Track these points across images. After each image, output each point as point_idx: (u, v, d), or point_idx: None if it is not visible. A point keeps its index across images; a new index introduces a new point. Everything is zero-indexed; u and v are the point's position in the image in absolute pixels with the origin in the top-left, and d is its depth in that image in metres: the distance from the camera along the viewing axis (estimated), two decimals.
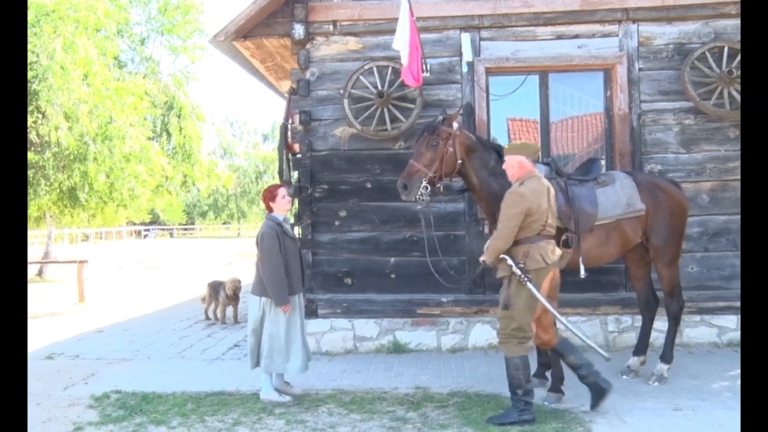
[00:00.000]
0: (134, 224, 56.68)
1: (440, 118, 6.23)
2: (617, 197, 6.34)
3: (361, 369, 7.35)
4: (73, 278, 16.36)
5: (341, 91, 8.04)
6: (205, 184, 15.61)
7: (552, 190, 5.61)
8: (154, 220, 63.85)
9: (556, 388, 6.02)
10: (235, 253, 31.76)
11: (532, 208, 5.31)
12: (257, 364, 6.32)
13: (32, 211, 12.65)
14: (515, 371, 5.42)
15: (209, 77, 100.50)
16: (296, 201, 8.27)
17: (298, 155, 8.39)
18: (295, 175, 8.55)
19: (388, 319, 8.10)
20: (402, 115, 7.86)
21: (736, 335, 7.78)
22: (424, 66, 7.49)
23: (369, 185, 8.13)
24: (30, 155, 10.50)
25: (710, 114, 7.74)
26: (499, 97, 8.05)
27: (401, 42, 7.15)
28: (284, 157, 8.60)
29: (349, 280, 8.15)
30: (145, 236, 61.37)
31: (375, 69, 7.96)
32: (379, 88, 7.86)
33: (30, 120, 10.30)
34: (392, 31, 7.37)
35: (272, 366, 6.22)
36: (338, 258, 8.17)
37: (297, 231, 8.04)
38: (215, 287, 10.95)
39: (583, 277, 6.23)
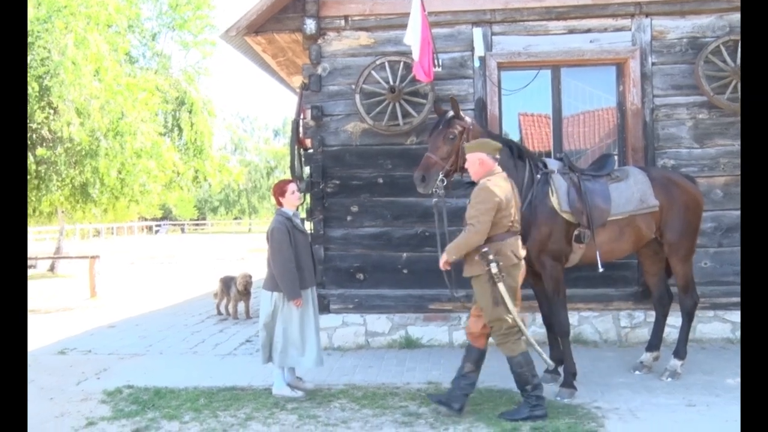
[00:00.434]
0: (145, 220, 56.80)
1: (450, 113, 6.22)
2: (630, 193, 6.30)
3: (373, 364, 7.35)
4: (84, 273, 16.43)
5: (353, 87, 8.03)
6: (216, 179, 15.63)
7: (515, 188, 5.61)
8: (166, 216, 64.02)
9: (569, 383, 6.00)
10: (246, 249, 31.81)
11: (502, 203, 5.30)
12: (269, 359, 6.33)
13: (44, 206, 12.68)
14: (519, 369, 5.42)
15: (220, 73, 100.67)
16: (308, 196, 8.28)
17: (310, 150, 8.40)
18: (306, 170, 8.54)
19: (400, 314, 8.10)
20: (414, 110, 7.85)
21: None
22: (435, 61, 7.47)
23: (381, 180, 8.12)
24: (42, 151, 10.54)
25: (724, 108, 7.68)
26: (510, 92, 8.02)
27: (413, 37, 7.12)
28: (296, 152, 8.58)
29: (361, 276, 8.15)
30: (157, 232, 61.58)
31: (387, 64, 7.94)
32: (391, 83, 7.85)
33: (42, 116, 10.33)
34: (404, 26, 7.33)
35: (287, 360, 6.24)
36: (350, 253, 8.16)
37: (309, 226, 8.04)
38: (227, 282, 10.98)
39: (600, 271, 6.20)
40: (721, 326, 7.79)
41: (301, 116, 8.66)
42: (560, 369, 6.31)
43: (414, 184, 6.25)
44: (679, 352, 6.51)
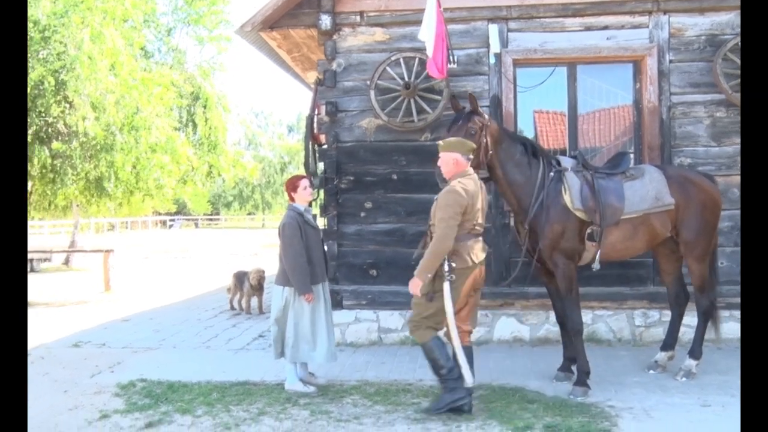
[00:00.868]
0: (159, 214, 57.04)
1: (468, 109, 6.19)
2: (645, 191, 6.24)
3: (385, 360, 7.34)
4: (99, 267, 16.53)
5: (368, 82, 8.01)
6: (230, 174, 15.64)
7: (485, 189, 5.60)
8: (180, 211, 64.22)
9: (582, 381, 5.97)
10: (260, 244, 31.90)
11: (468, 206, 5.30)
12: (281, 354, 6.34)
13: (59, 200, 12.75)
14: (431, 353, 5.45)
15: (235, 68, 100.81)
16: (321, 192, 8.27)
17: (324, 146, 8.38)
18: (320, 166, 8.54)
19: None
20: (429, 106, 7.82)
21: None
22: (450, 57, 7.44)
23: (395, 177, 8.10)
24: (57, 145, 10.58)
25: None
26: (526, 89, 7.97)
27: (427, 33, 7.10)
28: (310, 148, 8.58)
29: (374, 272, 8.14)
30: (170, 226, 61.80)
31: (402, 60, 7.92)
32: (406, 79, 7.82)
33: (58, 110, 10.37)
34: (419, 22, 7.32)
35: (298, 355, 6.23)
36: (363, 249, 8.15)
37: (322, 222, 8.04)
38: (240, 277, 11.00)
39: (595, 270, 6.17)
40: (736, 326, 7.70)
41: (316, 112, 8.66)
42: (573, 367, 6.28)
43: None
44: (695, 352, 6.46)
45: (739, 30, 7.65)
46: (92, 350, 8.33)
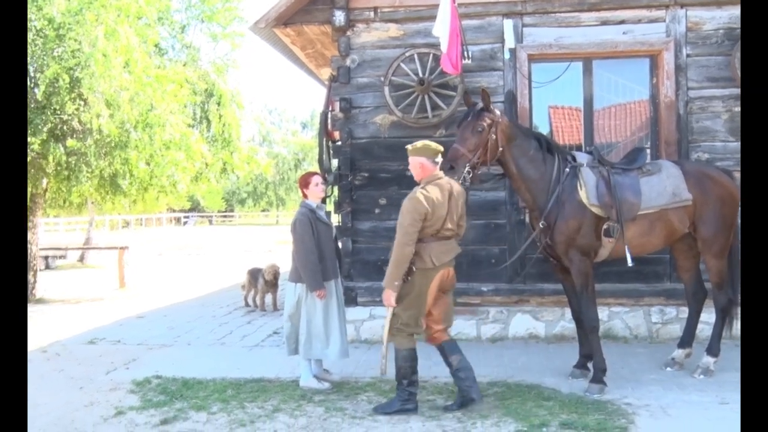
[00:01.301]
0: (174, 211, 57.24)
1: (479, 105, 6.15)
2: (662, 186, 6.18)
3: None
4: (114, 264, 16.60)
5: (382, 79, 7.97)
6: (244, 171, 15.62)
7: (456, 191, 5.55)
8: (194, 207, 64.49)
9: (598, 378, 5.94)
10: (274, 241, 31.92)
11: (428, 214, 5.29)
12: (295, 351, 6.35)
13: (74, 197, 12.76)
14: (403, 362, 5.50)
15: (249, 65, 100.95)
16: (336, 189, 8.26)
17: (338, 143, 8.37)
18: (335, 162, 8.52)
19: None
20: (443, 102, 7.78)
21: None
22: (465, 53, 7.41)
23: (409, 173, 8.03)
24: (72, 142, 10.60)
25: None
26: (541, 85, 7.92)
27: (441, 29, 7.06)
28: (324, 144, 8.57)
29: None
30: (185, 223, 62.06)
31: (416, 56, 7.88)
32: (420, 75, 7.78)
33: (72, 107, 10.39)
34: (433, 18, 7.27)
35: (311, 352, 6.24)
36: (378, 246, 8.11)
37: (337, 219, 8.02)
38: (254, 274, 11.03)
39: (630, 266, 6.10)
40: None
41: (330, 108, 8.64)
42: (589, 365, 6.24)
43: None
44: (713, 349, 6.40)
45: None
46: (107, 347, 8.36)
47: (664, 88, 7.72)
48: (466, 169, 5.95)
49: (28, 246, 12.54)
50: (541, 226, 6.15)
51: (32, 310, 11.37)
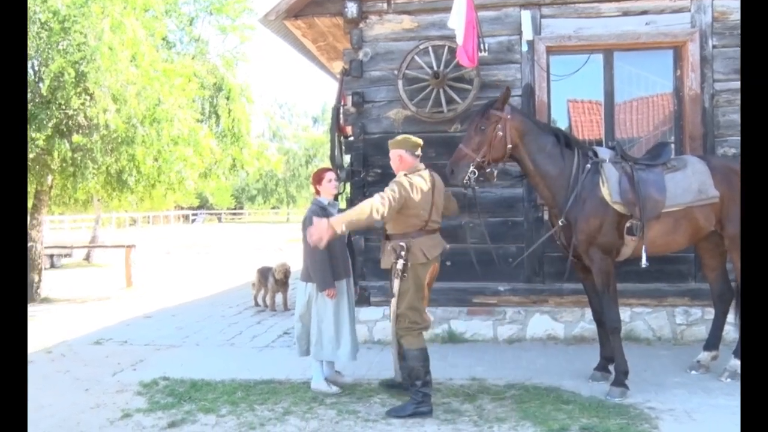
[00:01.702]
0: (182, 208, 57.41)
1: (490, 101, 6.03)
2: (688, 183, 5.98)
3: None
4: (120, 263, 16.55)
5: (395, 72, 7.82)
6: (254, 167, 15.45)
7: (438, 184, 5.58)
8: (202, 205, 64.62)
9: (620, 382, 5.79)
10: (284, 239, 31.84)
11: (409, 202, 5.29)
12: (306, 351, 6.25)
13: (80, 194, 12.64)
14: (415, 362, 5.43)
15: (258, 58, 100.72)
16: (348, 185, 8.11)
17: (351, 138, 8.24)
18: (347, 158, 8.40)
19: (443, 308, 7.89)
20: (458, 96, 7.61)
21: None
22: (481, 45, 7.24)
23: None
24: (78, 138, 10.46)
25: None
26: (560, 77, 7.74)
27: (457, 20, 6.93)
28: (336, 140, 8.43)
29: None
30: (193, 221, 62.23)
31: (430, 49, 7.72)
32: (435, 68, 7.62)
33: (78, 102, 10.24)
34: (448, 9, 7.13)
35: (322, 353, 6.12)
36: None
37: None
38: (264, 273, 10.96)
39: (644, 266, 5.90)
40: None
41: (342, 103, 8.51)
42: (611, 367, 6.10)
43: None
44: (740, 351, 6.18)
45: None
46: (114, 348, 8.27)
47: (688, 80, 7.51)
48: (471, 169, 5.82)
49: (34, 244, 12.46)
50: (560, 223, 5.97)
51: (37, 310, 11.34)
